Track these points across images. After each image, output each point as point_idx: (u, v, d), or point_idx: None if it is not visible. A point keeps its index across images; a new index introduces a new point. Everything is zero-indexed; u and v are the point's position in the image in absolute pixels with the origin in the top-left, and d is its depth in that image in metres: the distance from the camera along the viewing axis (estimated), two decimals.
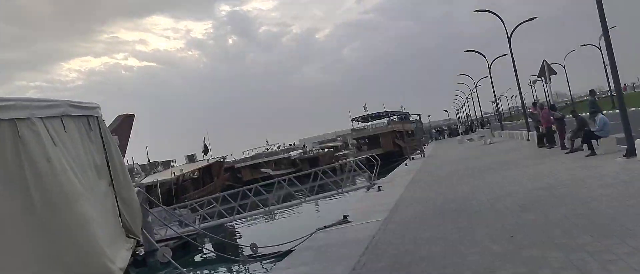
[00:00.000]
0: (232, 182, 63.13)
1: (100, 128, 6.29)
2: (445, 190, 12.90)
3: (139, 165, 38.83)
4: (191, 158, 45.33)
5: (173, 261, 7.47)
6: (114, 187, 6.37)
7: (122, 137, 29.34)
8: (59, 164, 4.56)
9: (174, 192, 35.97)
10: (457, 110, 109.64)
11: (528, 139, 25.92)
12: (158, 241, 21.36)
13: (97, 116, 6.26)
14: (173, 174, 37.07)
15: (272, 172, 65.04)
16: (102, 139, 6.25)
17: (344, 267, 6.84)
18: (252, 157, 74.78)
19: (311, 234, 10.74)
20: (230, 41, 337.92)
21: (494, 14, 27.39)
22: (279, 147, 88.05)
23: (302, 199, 20.50)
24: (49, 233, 4.39)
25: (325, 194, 21.54)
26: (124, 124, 30.41)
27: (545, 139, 19.87)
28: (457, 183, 13.96)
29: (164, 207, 30.84)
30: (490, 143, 31.61)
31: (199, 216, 23.79)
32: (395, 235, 8.36)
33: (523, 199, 9.38)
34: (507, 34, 26.72)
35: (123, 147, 28.14)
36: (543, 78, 19.32)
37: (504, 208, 8.92)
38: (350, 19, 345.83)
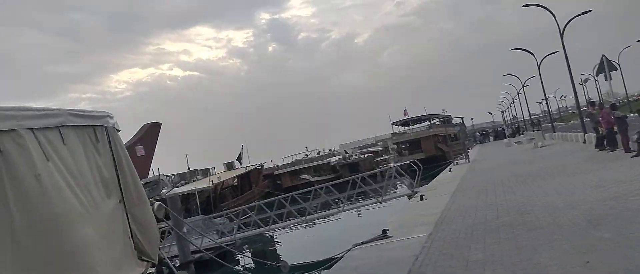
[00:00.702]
0: (272, 189, 62.88)
1: (109, 139, 5.51)
2: (496, 200, 11.64)
3: (166, 175, 38.88)
4: (230, 166, 45.01)
5: None
6: (125, 205, 5.57)
7: (147, 146, 29.16)
8: (52, 181, 3.91)
9: (212, 201, 35.63)
10: (502, 112, 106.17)
11: (584, 142, 24.11)
12: (194, 252, 20.84)
13: (105, 126, 5.50)
14: (211, 183, 36.73)
15: (311, 179, 64.32)
16: (112, 151, 5.48)
17: None
18: (292, 164, 74.32)
19: (347, 252, 9.74)
20: (270, 48, 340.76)
21: (545, 8, 25.67)
22: (318, 153, 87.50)
23: (340, 208, 19.49)
24: (35, 261, 3.72)
25: (364, 202, 20.48)
26: (150, 132, 30.24)
27: (606, 142, 18.20)
28: (508, 192, 12.65)
29: (203, 216, 30.54)
30: (541, 146, 29.73)
31: (236, 226, 23.12)
32: (442, 256, 7.25)
33: (590, 212, 8.09)
34: (559, 29, 24.97)
35: (148, 157, 27.93)
36: (603, 74, 17.68)
37: (569, 223, 7.66)
38: (390, 22, 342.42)
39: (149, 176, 25.92)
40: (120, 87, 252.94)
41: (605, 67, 17.55)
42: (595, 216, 7.71)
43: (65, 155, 4.42)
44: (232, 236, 21.03)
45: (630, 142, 15.60)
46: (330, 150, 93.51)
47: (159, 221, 9.66)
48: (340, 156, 78.28)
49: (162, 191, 24.05)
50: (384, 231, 9.90)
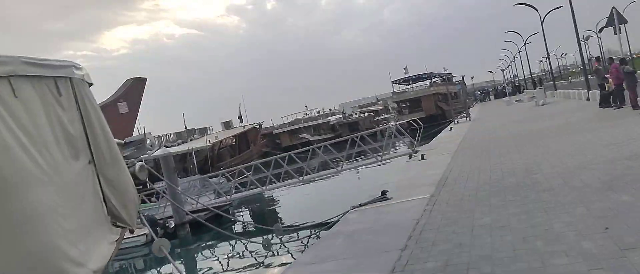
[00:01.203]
0: (271, 149, 62.67)
1: (75, 92, 4.86)
2: (500, 160, 11.11)
3: (152, 134, 38.00)
4: (227, 125, 44.46)
5: (169, 257, 6.13)
6: (95, 166, 4.98)
7: (131, 103, 27.98)
8: None
9: (209, 161, 35.23)
10: (503, 70, 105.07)
11: (588, 99, 23.50)
12: (191, 212, 20.47)
13: (70, 77, 4.84)
14: (208, 142, 36.23)
15: (311, 138, 63.94)
16: (79, 106, 4.85)
17: (380, 267, 5.31)
18: (291, 123, 73.84)
19: (344, 214, 9.27)
20: (269, 6, 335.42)
21: None
22: (318, 112, 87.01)
23: (338, 168, 19.02)
24: None
25: (363, 162, 20.01)
26: (134, 88, 28.80)
27: (612, 98, 17.58)
28: (514, 151, 12.11)
29: (199, 175, 30.17)
30: (543, 104, 29.11)
31: (233, 186, 22.73)
32: (445, 220, 6.75)
33: (606, 172, 7.55)
34: None
35: (132, 114, 26.77)
36: (612, 27, 16.88)
37: (583, 184, 7.13)
38: None
39: (134, 135, 25.08)
40: (116, 45, 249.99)
41: (615, 19, 16.73)
42: (612, 176, 7.18)
43: (17, 109, 3.81)
44: (228, 197, 20.66)
45: (638, 98, 14.98)
46: (330, 109, 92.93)
47: (141, 183, 9.00)
48: (340, 115, 77.72)
49: (149, 151, 23.25)
50: (383, 192, 9.40)
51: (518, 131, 16.88)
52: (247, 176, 21.64)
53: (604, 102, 18.22)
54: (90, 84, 5.35)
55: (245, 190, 21.22)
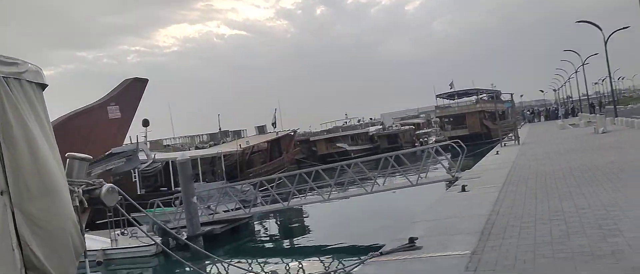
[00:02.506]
0: (306, 156, 61.37)
1: None
2: (562, 205, 8.98)
3: (148, 144, 35.14)
4: (261, 129, 43.11)
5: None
6: (10, 198, 3.40)
7: (126, 106, 25.48)
8: None
9: (239, 166, 33.93)
10: (555, 90, 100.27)
11: None
12: (205, 224, 18.93)
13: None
14: (239, 146, 34.95)
15: (348, 148, 62.22)
16: None
17: None
18: (329, 131, 72.41)
19: (361, 263, 7.43)
20: (318, 11, 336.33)
21: None
22: (359, 121, 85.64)
23: (368, 190, 17.12)
24: None
25: (395, 186, 18.08)
26: (131, 90, 25.77)
27: None
28: (577, 193, 9.95)
29: (225, 181, 28.82)
30: (604, 132, 26.30)
31: (256, 196, 21.10)
32: None
33: None
34: None
35: (125, 121, 24.46)
36: None
37: None
38: None
39: (125, 144, 23.35)
40: (169, 41, 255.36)
41: None
42: None
43: None
44: (247, 210, 19.08)
45: None
46: (370, 119, 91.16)
47: (109, 210, 7.35)
48: (380, 126, 75.72)
49: (142, 165, 21.23)
50: (411, 239, 7.48)
51: (579, 165, 14.56)
52: (269, 189, 20.02)
53: None
54: (43, 87, 3.86)
55: (267, 205, 19.61)
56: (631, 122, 27.67)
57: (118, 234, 17.01)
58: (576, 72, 61.85)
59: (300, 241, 19.04)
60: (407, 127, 75.20)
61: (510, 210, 9.18)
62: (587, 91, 65.94)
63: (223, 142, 43.70)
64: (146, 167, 22.85)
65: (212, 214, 19.37)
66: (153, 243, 15.48)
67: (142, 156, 19.36)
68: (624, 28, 36.86)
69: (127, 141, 25.76)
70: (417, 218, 10.09)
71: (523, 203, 9.70)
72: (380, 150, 59.47)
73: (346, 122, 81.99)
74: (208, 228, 18.48)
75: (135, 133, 25.11)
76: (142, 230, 10.35)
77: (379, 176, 18.47)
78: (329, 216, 22.20)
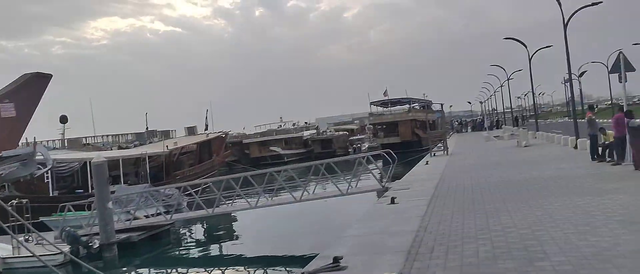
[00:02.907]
0: (238, 158, 60.13)
1: None
2: (488, 223, 8.90)
3: (46, 146, 31.28)
4: (191, 130, 41.70)
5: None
6: None
7: (23, 104, 22.92)
8: None
9: (165, 168, 32.49)
10: (482, 102, 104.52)
11: (575, 147, 21.73)
12: (122, 231, 17.70)
13: None
14: (166, 147, 33.49)
15: (281, 152, 61.63)
16: None
17: None
18: (262, 134, 71.54)
19: None
20: (257, 13, 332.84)
21: None
22: (294, 125, 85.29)
23: (296, 198, 16.68)
24: None
25: (325, 194, 17.76)
26: (31, 86, 23.04)
27: (609, 152, 15.73)
28: (503, 210, 9.95)
29: (148, 185, 27.40)
30: (526, 146, 27.33)
31: (178, 202, 20.13)
32: None
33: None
34: (563, 20, 22.29)
35: (22, 120, 22.22)
36: (618, 74, 15.07)
37: None
38: (380, 0, 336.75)
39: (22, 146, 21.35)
40: (98, 34, 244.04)
41: (621, 66, 14.94)
42: None
43: None
44: (168, 217, 18.10)
45: None
46: (306, 123, 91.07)
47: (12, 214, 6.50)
48: (314, 131, 75.74)
49: (39, 171, 19.08)
50: (336, 259, 7.08)
51: (504, 179, 14.83)
52: (203, 191, 19.09)
53: (598, 155, 16.36)
54: None
55: (191, 211, 18.69)
56: (552, 137, 28.95)
57: (22, 241, 15.52)
58: (501, 86, 64.59)
59: (225, 250, 18.28)
60: (341, 132, 75.63)
61: (437, 226, 9.01)
62: (511, 105, 69.11)
63: (150, 143, 41.86)
64: (44, 172, 20.45)
65: (129, 220, 18.17)
66: (60, 251, 14.16)
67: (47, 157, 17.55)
68: (547, 47, 38.79)
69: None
70: (345, 232, 9.73)
71: (450, 219, 9.57)
72: (314, 155, 59.42)
73: (281, 125, 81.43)
74: (124, 235, 17.31)
75: (47, 131, 22.87)
76: (41, 236, 9.33)
77: (309, 184, 18.09)
78: (258, 222, 21.53)
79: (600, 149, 16.24)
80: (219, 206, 17.87)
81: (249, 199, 17.84)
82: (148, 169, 30.17)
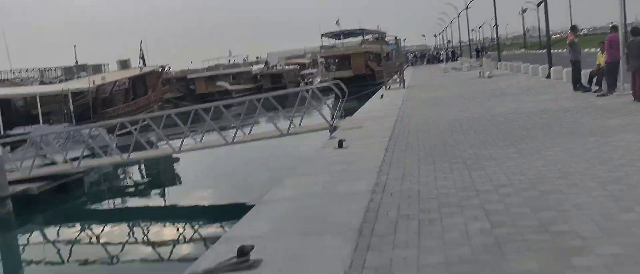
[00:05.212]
0: (183, 94, 56.35)
1: None
2: (470, 177, 6.32)
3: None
4: (124, 64, 37.43)
5: None
6: None
7: None
8: None
9: (92, 106, 28.88)
10: (436, 35, 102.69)
11: (548, 76, 19.59)
12: (18, 181, 14.57)
13: None
14: (92, 83, 29.67)
15: (229, 87, 58.26)
16: None
17: None
18: (209, 69, 67.58)
19: None
20: None
21: None
22: (244, 60, 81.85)
23: (229, 141, 13.83)
24: None
25: (261, 135, 14.97)
26: None
27: (596, 80, 13.52)
28: (488, 156, 7.42)
29: (68, 124, 23.97)
30: (489, 76, 25.13)
31: (114, 143, 16.75)
32: None
33: None
34: None
35: None
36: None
37: None
38: None
39: None
40: None
41: None
42: None
43: None
44: (74, 164, 14.94)
45: None
46: (256, 57, 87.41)
47: None
48: (263, 65, 72.37)
49: None
50: (243, 251, 4.29)
51: (476, 114, 12.37)
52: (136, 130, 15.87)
53: (582, 84, 14.13)
54: None
55: (104, 157, 15.58)
56: (517, 67, 26.82)
57: None
58: (459, 15, 62.30)
59: (150, 201, 15.53)
60: (291, 67, 72.47)
61: (400, 184, 6.37)
62: (469, 37, 67.25)
63: (77, 78, 37.60)
64: None
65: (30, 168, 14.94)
66: None
67: None
68: None
69: None
70: (272, 191, 6.97)
71: (417, 172, 6.95)
72: (263, 90, 56.30)
73: (230, 60, 77.52)
74: (21, 187, 14.28)
75: None
76: None
77: (246, 125, 15.29)
78: (198, 163, 18.64)
79: (587, 76, 13.97)
80: (134, 152, 14.73)
81: (174, 141, 14.91)
82: (72, 107, 26.67)
